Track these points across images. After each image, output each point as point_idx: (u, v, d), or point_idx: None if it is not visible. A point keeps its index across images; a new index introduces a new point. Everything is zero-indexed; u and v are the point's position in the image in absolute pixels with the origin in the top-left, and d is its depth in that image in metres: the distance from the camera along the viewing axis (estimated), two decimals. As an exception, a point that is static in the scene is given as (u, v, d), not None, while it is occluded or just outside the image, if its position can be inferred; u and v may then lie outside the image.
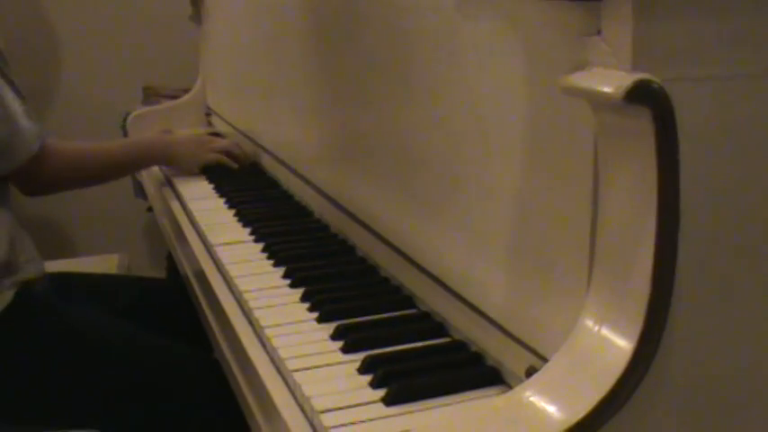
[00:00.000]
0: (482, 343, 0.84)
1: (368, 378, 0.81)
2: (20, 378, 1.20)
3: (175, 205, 1.52)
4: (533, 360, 0.73)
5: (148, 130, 1.95)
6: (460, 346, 0.87)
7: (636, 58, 0.58)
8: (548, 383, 0.63)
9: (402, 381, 0.79)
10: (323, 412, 0.75)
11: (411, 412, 0.76)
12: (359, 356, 0.85)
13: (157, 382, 1.21)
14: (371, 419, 0.74)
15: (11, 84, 1.36)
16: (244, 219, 1.33)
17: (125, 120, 2.13)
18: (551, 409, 0.61)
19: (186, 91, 2.25)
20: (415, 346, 0.88)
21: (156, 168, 1.80)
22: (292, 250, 1.16)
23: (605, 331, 0.61)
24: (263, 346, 0.92)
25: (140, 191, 2.11)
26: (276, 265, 1.12)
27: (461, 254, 0.86)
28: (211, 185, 1.56)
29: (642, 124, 0.57)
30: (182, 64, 2.49)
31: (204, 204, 1.44)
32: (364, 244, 1.13)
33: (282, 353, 0.86)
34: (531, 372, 0.71)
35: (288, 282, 1.06)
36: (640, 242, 0.59)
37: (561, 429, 0.59)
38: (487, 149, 0.80)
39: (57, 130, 2.09)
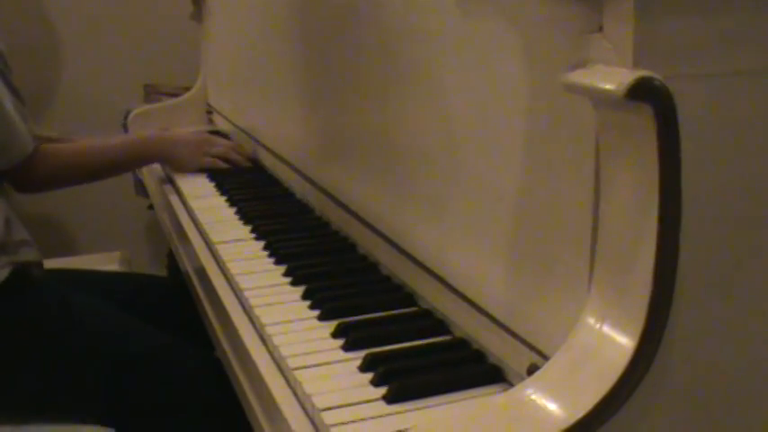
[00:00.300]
0: (483, 341, 0.84)
1: (369, 376, 0.81)
2: (14, 360, 1.20)
3: (176, 203, 1.51)
4: (535, 358, 0.73)
5: (149, 128, 1.95)
6: (462, 344, 0.87)
7: (637, 55, 0.58)
8: (549, 381, 0.63)
9: (403, 379, 0.79)
10: (324, 410, 0.75)
11: (412, 410, 0.75)
12: (360, 354, 0.85)
13: (157, 379, 1.21)
14: (372, 417, 0.74)
15: (9, 86, 1.37)
16: (245, 216, 1.33)
17: (126, 118, 2.13)
18: (553, 407, 0.61)
19: (187, 89, 2.25)
20: (416, 343, 0.88)
21: (156, 166, 1.80)
22: (293, 248, 1.16)
23: (607, 329, 0.61)
24: (264, 343, 0.92)
25: (141, 188, 2.11)
26: (277, 262, 1.12)
27: (463, 251, 0.86)
28: (213, 183, 1.56)
29: (643, 121, 0.57)
30: (183, 62, 2.49)
31: (205, 202, 1.44)
32: (365, 242, 1.13)
33: (283, 351, 0.86)
34: (532, 370, 0.71)
35: (289, 279, 1.06)
36: (642, 240, 0.59)
37: (563, 427, 0.59)
38: (488, 147, 0.80)
39: (58, 128, 2.09)
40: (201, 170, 1.62)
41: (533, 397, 0.63)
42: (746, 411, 0.66)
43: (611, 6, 0.60)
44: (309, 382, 0.80)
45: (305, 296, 1.00)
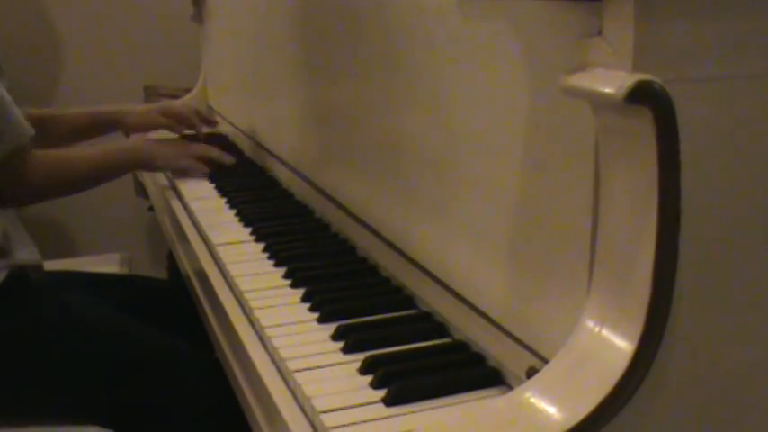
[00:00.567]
0: (483, 343, 0.84)
1: (368, 378, 0.81)
2: (13, 363, 1.20)
3: (176, 205, 1.52)
4: (534, 361, 0.73)
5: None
6: (461, 347, 0.87)
7: (637, 58, 0.58)
8: (548, 384, 0.63)
9: (403, 381, 0.79)
10: (323, 412, 0.75)
11: (412, 413, 0.75)
12: (359, 357, 0.85)
13: (157, 380, 1.21)
14: (372, 420, 0.74)
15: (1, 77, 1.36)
16: (245, 218, 1.33)
17: (126, 119, 2.13)
18: (552, 409, 0.61)
19: (187, 90, 2.25)
20: (415, 346, 0.88)
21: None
22: (293, 250, 1.16)
23: (606, 332, 0.61)
24: (264, 346, 0.92)
25: (141, 190, 2.12)
26: (277, 265, 1.12)
27: (462, 254, 0.86)
28: (212, 185, 1.56)
29: (643, 125, 0.57)
30: (183, 63, 2.49)
31: (205, 204, 1.44)
32: (365, 244, 1.13)
33: (283, 353, 0.86)
34: (531, 372, 0.70)
35: (289, 282, 1.06)
36: (641, 243, 0.59)
37: (562, 430, 0.59)
38: (488, 150, 0.80)
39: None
40: (182, 170, 1.61)
41: (532, 400, 0.63)
42: (746, 413, 0.66)
43: (610, 10, 0.60)
44: (309, 384, 0.80)
45: (305, 298, 1.00)
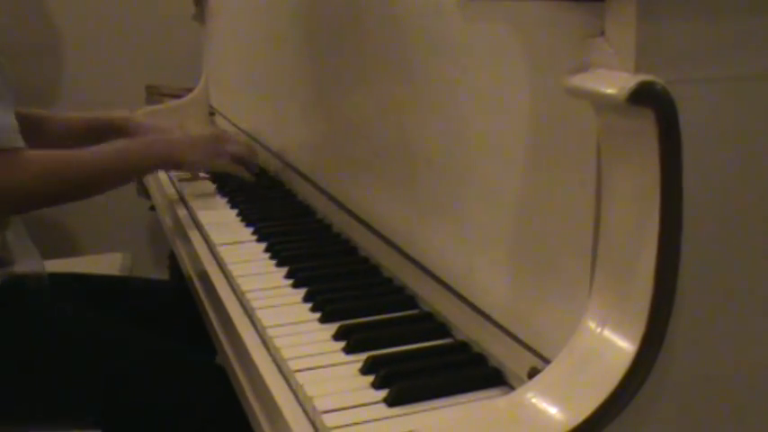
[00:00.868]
0: (484, 344, 0.84)
1: (370, 379, 0.81)
2: (8, 371, 1.19)
3: (178, 204, 1.52)
4: (535, 361, 0.73)
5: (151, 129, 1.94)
6: (463, 347, 0.87)
7: (639, 59, 0.58)
8: (550, 385, 0.63)
9: (404, 381, 0.79)
10: (325, 413, 0.75)
11: (413, 413, 0.75)
12: (361, 357, 0.85)
13: (157, 383, 1.21)
14: (373, 420, 0.74)
15: None
16: (246, 218, 1.33)
17: (128, 119, 2.13)
18: (553, 410, 0.61)
19: (189, 90, 2.25)
20: (417, 346, 0.88)
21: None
22: (295, 250, 1.16)
23: (608, 333, 0.61)
24: (266, 346, 0.92)
25: (143, 189, 2.12)
26: (279, 265, 1.12)
27: (464, 254, 0.86)
28: (214, 185, 1.56)
29: (645, 126, 0.57)
30: (185, 63, 2.49)
31: (207, 204, 1.44)
32: (367, 244, 1.13)
33: (285, 353, 0.86)
34: (533, 373, 0.71)
35: (290, 282, 1.06)
36: (643, 244, 0.59)
37: (563, 431, 0.59)
38: (491, 150, 0.80)
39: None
40: (215, 172, 1.51)
41: (534, 400, 0.63)
42: (747, 415, 0.66)
43: (613, 10, 0.60)
44: (311, 384, 0.80)
45: (306, 298, 1.00)
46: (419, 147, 0.96)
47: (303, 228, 1.28)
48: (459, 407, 0.77)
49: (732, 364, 0.64)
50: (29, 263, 1.32)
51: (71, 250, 2.67)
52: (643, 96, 0.56)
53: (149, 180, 1.88)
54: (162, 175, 1.74)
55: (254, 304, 0.99)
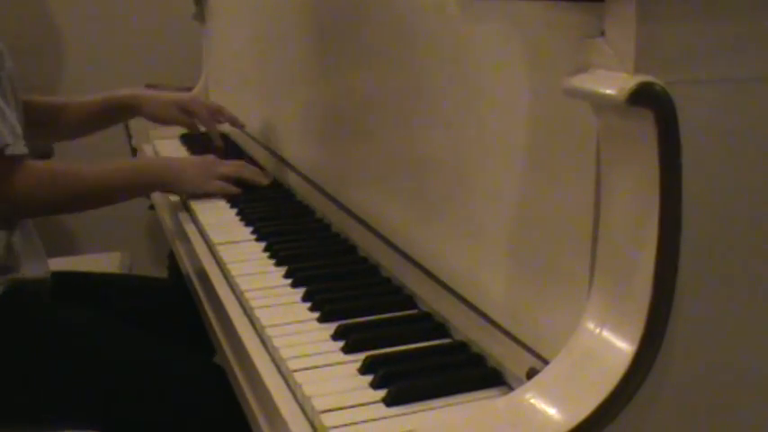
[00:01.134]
0: (483, 344, 0.84)
1: (369, 378, 0.81)
2: (8, 376, 1.19)
3: (177, 203, 1.52)
4: (534, 362, 0.73)
5: (150, 126, 1.93)
6: (461, 347, 0.87)
7: (639, 60, 0.58)
8: (549, 385, 0.63)
9: (403, 381, 0.79)
10: (323, 412, 0.75)
11: (412, 413, 0.75)
12: (360, 357, 0.85)
13: (156, 384, 1.20)
14: (372, 420, 0.74)
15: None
16: (246, 218, 1.33)
17: (128, 118, 2.13)
18: (552, 411, 0.61)
19: (189, 89, 2.25)
20: (416, 346, 0.88)
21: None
22: (294, 250, 1.16)
23: (606, 334, 0.61)
24: (264, 345, 0.92)
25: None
26: (278, 264, 1.12)
27: (463, 254, 0.87)
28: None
29: (645, 127, 0.57)
30: (185, 62, 2.49)
31: (206, 203, 1.44)
32: (366, 244, 1.13)
33: (283, 353, 0.86)
34: (532, 373, 0.71)
35: (289, 281, 1.06)
36: (642, 245, 0.59)
37: (562, 431, 0.59)
38: (490, 151, 0.80)
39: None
40: (210, 194, 1.45)
41: (533, 401, 0.63)
42: (747, 415, 0.66)
43: (612, 12, 0.60)
44: (309, 384, 0.80)
45: (305, 298, 1.00)
46: (419, 147, 0.96)
47: (302, 227, 1.28)
48: (457, 407, 0.77)
49: (731, 365, 0.64)
50: (34, 267, 1.32)
51: (71, 249, 2.67)
52: (642, 97, 0.56)
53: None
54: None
55: (253, 303, 0.99)
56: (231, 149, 1.75)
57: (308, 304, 0.99)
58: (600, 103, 0.60)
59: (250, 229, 1.27)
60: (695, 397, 0.63)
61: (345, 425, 0.73)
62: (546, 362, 0.70)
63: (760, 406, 0.66)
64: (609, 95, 0.57)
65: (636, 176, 0.59)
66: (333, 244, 1.21)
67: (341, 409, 0.76)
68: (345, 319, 0.93)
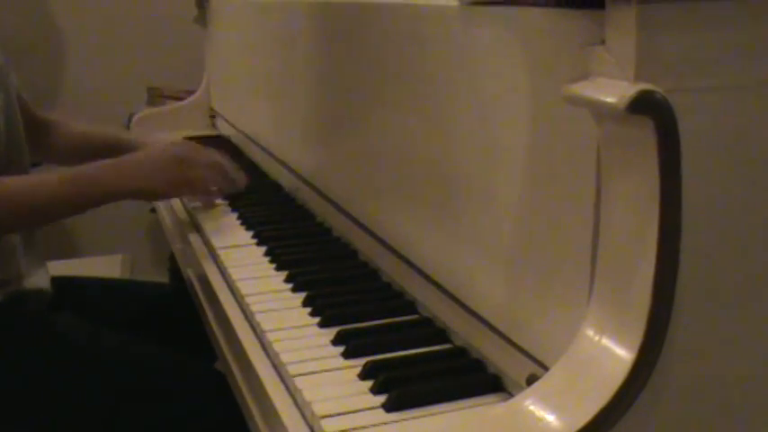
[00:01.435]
0: (483, 350, 0.84)
1: (369, 384, 0.81)
2: (7, 388, 1.18)
3: (178, 207, 1.52)
4: (534, 368, 0.73)
5: (153, 126, 1.92)
6: (462, 353, 0.87)
7: (639, 68, 0.58)
8: (548, 392, 0.63)
9: (403, 387, 0.79)
10: (323, 417, 0.75)
11: (411, 419, 0.76)
12: (360, 362, 0.85)
13: (157, 392, 1.20)
14: (372, 425, 0.74)
15: None
16: (246, 222, 1.33)
17: (130, 121, 2.14)
18: (551, 417, 0.61)
19: (191, 93, 2.25)
20: (416, 352, 0.88)
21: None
22: (295, 254, 1.17)
23: (606, 341, 0.61)
24: (265, 350, 0.92)
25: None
26: (278, 268, 1.12)
27: (463, 260, 0.87)
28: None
29: (645, 135, 0.57)
30: (187, 66, 2.50)
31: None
32: (366, 249, 1.13)
33: (284, 357, 0.86)
34: (531, 380, 0.71)
35: (290, 286, 1.06)
36: (642, 252, 0.59)
37: (561, 438, 0.59)
38: (490, 157, 0.80)
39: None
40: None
41: (532, 408, 0.63)
42: (746, 423, 0.66)
43: (613, 19, 0.60)
44: (309, 389, 0.80)
45: (306, 303, 1.00)
46: (420, 153, 0.96)
47: (303, 232, 1.28)
48: (457, 413, 0.77)
49: (730, 373, 0.65)
50: (35, 278, 1.31)
51: (72, 252, 2.67)
52: (642, 105, 0.56)
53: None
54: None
55: (254, 308, 0.99)
56: (232, 153, 1.74)
57: (309, 309, 0.99)
58: (600, 111, 0.60)
59: (251, 233, 1.28)
60: (695, 405, 0.63)
61: (345, 430, 0.73)
62: (546, 368, 0.70)
63: (759, 414, 0.66)
64: (609, 103, 0.58)
65: (636, 184, 0.59)
66: (333, 248, 1.21)
67: (341, 414, 0.76)
68: (346, 324, 0.93)
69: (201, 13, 2.18)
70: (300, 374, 0.83)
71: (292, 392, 0.82)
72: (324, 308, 0.97)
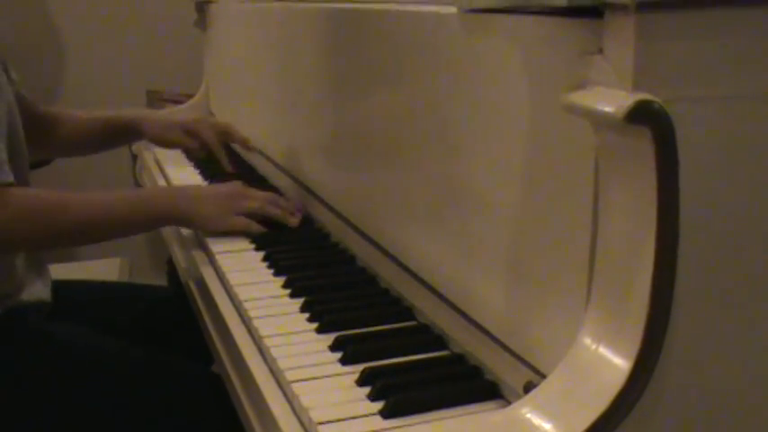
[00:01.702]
0: (481, 357, 0.84)
1: (366, 390, 0.81)
2: (6, 401, 1.18)
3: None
4: (531, 376, 0.73)
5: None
6: (459, 360, 0.87)
7: (637, 77, 0.58)
8: (545, 400, 0.63)
9: (400, 393, 0.79)
10: (321, 424, 0.75)
11: (409, 425, 0.75)
12: (357, 368, 0.85)
13: (154, 394, 1.20)
14: (369, 432, 0.75)
15: None
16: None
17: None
18: (548, 425, 0.61)
19: (190, 96, 2.26)
20: (413, 358, 0.88)
21: (156, 172, 1.80)
22: (293, 259, 1.16)
23: (603, 349, 0.62)
24: (262, 355, 0.92)
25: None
26: (276, 274, 1.12)
27: (461, 267, 0.87)
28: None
29: (642, 144, 0.57)
30: (186, 69, 2.50)
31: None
32: (364, 254, 1.13)
33: (281, 363, 0.86)
34: (528, 387, 0.71)
35: (288, 291, 1.06)
36: (639, 261, 0.59)
37: (558, 447, 0.59)
38: (488, 165, 0.80)
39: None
40: (231, 232, 1.28)
41: (529, 416, 0.63)
42: (744, 430, 0.66)
43: (611, 29, 0.60)
44: (307, 395, 0.80)
45: (303, 308, 1.00)
46: (418, 159, 0.96)
47: (301, 237, 1.28)
48: (454, 420, 0.77)
49: (728, 380, 0.65)
50: (35, 289, 1.30)
51: (70, 256, 2.66)
52: (640, 115, 0.56)
53: (147, 185, 1.88)
54: (161, 180, 1.74)
55: (252, 313, 0.99)
56: (228, 158, 1.74)
57: (307, 314, 0.99)
58: (598, 121, 0.61)
59: (249, 238, 1.27)
60: (691, 414, 0.63)
61: (342, 437, 0.74)
62: (543, 376, 0.70)
63: (756, 422, 0.66)
64: (607, 113, 0.58)
65: (633, 193, 0.59)
66: (332, 254, 1.21)
67: (338, 420, 0.76)
68: (343, 330, 0.93)
69: (201, 16, 2.18)
70: (298, 380, 0.83)
71: (290, 398, 0.82)
72: (322, 313, 0.97)
